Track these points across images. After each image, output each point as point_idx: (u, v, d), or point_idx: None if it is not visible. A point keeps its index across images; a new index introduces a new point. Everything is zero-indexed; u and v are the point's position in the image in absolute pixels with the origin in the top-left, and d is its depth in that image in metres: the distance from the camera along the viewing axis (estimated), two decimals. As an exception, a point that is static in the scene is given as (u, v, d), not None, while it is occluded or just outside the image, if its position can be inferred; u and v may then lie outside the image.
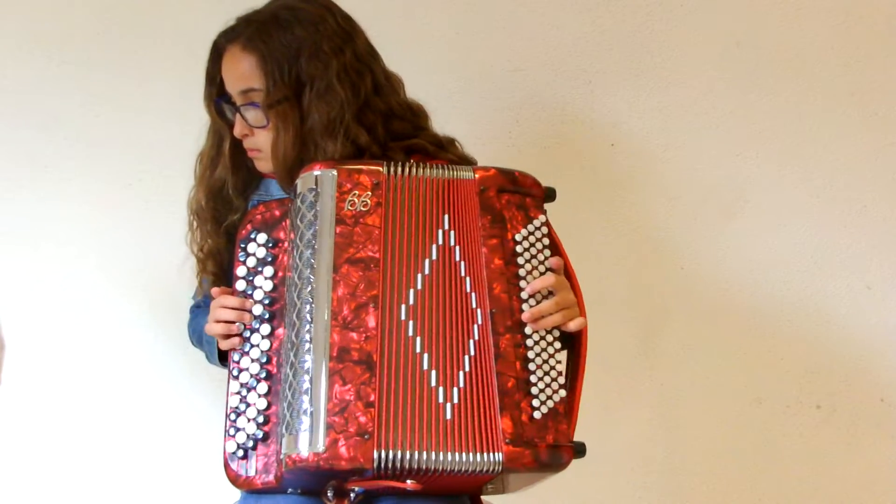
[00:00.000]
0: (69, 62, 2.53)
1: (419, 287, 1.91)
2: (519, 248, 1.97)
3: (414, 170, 1.96)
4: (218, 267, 2.12)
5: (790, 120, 2.67)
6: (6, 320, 2.49)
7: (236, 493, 2.11)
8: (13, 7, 2.51)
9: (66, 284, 2.53)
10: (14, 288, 2.51)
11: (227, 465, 1.94)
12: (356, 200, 1.92)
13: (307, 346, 1.86)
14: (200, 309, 2.20)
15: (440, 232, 1.94)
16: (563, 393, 1.94)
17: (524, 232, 1.98)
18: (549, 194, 2.03)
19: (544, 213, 2.02)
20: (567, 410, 1.94)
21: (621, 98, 2.65)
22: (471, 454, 1.85)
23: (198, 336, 2.19)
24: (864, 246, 2.68)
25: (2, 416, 2.51)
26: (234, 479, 1.94)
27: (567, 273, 2.02)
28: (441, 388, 1.87)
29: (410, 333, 1.88)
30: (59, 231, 2.53)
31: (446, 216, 1.95)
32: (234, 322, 1.97)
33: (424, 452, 1.83)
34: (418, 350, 1.88)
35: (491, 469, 1.85)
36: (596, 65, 2.65)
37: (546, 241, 2.00)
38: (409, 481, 1.84)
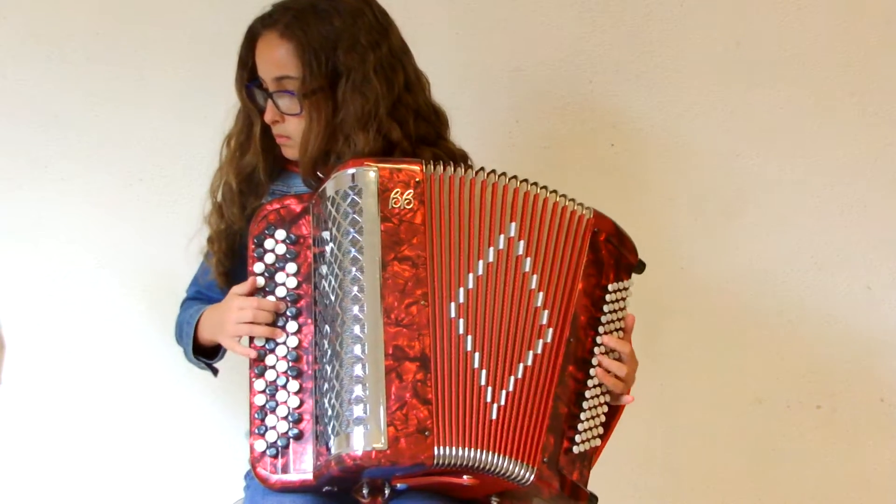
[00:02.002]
0: (69, 61, 2.52)
1: (471, 286, 1.90)
2: (608, 297, 1.99)
3: (453, 170, 1.94)
4: (229, 247, 2.11)
5: (790, 120, 2.67)
6: (6, 320, 2.50)
7: (237, 493, 2.11)
8: (13, 6, 2.51)
9: (65, 284, 2.53)
10: (14, 287, 2.51)
11: (255, 465, 1.90)
12: (399, 198, 1.91)
13: (359, 344, 1.84)
14: (193, 303, 2.18)
15: (501, 237, 1.93)
16: (597, 442, 1.97)
17: (616, 285, 2.00)
18: (641, 266, 2.06)
19: (630, 279, 2.03)
20: (591, 459, 1.97)
21: (621, 98, 2.65)
22: (506, 459, 1.85)
23: (178, 330, 2.17)
24: (864, 246, 2.68)
25: (2, 415, 2.51)
26: (266, 478, 1.89)
27: None
28: (490, 389, 1.87)
29: (461, 331, 1.88)
30: (59, 230, 2.53)
31: (513, 224, 1.94)
32: (270, 325, 1.93)
33: (475, 450, 1.84)
34: (469, 348, 1.87)
35: (521, 479, 1.86)
36: (596, 65, 2.65)
37: (625, 304, 2.02)
38: (465, 476, 1.84)
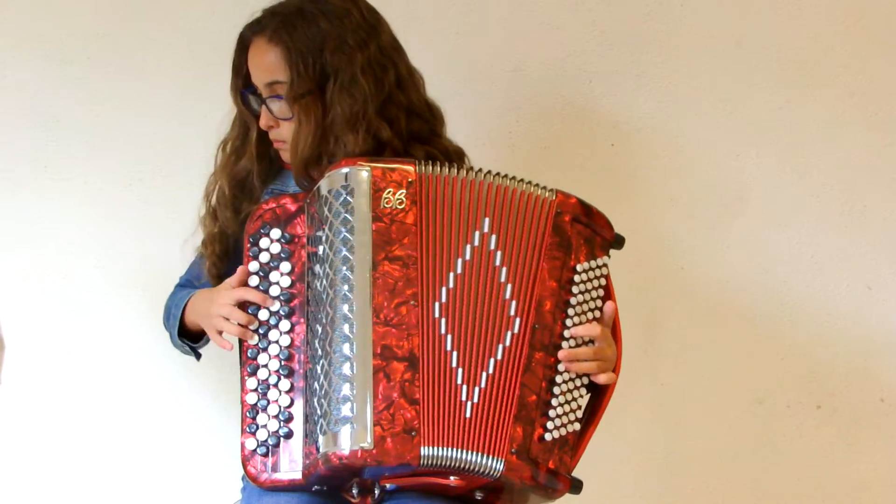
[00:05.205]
0: (69, 62, 2.53)
1: (451, 286, 1.90)
2: (577, 278, 1.96)
3: (446, 170, 1.95)
4: (223, 250, 2.11)
5: (790, 120, 2.67)
6: (6, 320, 2.50)
7: (236, 493, 2.11)
8: (13, 7, 2.51)
9: (65, 284, 2.53)
10: (13, 288, 2.52)
11: (245, 463, 1.91)
12: (391, 198, 1.91)
13: (348, 343, 1.84)
14: (183, 288, 2.18)
15: (476, 234, 1.93)
16: (577, 426, 1.95)
17: (585, 265, 1.98)
18: (619, 241, 2.03)
19: (608, 256, 2.01)
20: (575, 445, 1.95)
21: (621, 98, 2.65)
22: (475, 454, 1.85)
23: (166, 313, 2.17)
24: (864, 246, 2.68)
25: (2, 416, 2.51)
26: (255, 476, 1.90)
27: (614, 323, 2.02)
28: (465, 387, 1.87)
29: (443, 331, 1.88)
30: (58, 231, 2.53)
31: (487, 219, 1.94)
32: (255, 317, 1.94)
33: (454, 449, 1.84)
34: (448, 348, 1.88)
35: (489, 472, 1.86)
36: (596, 65, 2.65)
37: (603, 281, 2.00)
38: (452, 477, 1.85)
